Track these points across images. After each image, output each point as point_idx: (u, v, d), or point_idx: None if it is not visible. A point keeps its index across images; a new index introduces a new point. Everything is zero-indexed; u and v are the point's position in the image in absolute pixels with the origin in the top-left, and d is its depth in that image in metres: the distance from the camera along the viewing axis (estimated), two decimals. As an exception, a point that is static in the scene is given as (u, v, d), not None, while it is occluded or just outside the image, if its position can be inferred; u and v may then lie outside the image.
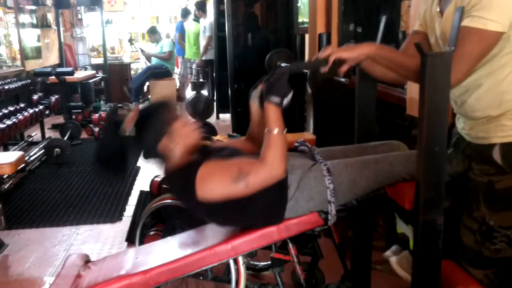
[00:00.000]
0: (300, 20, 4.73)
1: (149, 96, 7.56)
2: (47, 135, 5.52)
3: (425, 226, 1.37)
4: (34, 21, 7.09)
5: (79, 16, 8.83)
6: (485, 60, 1.39)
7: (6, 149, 4.59)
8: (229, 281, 1.90)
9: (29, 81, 5.83)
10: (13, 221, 3.39)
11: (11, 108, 4.69)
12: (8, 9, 6.29)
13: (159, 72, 7.28)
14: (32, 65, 6.55)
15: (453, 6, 1.39)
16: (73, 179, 4.33)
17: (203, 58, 6.99)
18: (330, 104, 3.04)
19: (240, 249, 1.63)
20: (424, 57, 1.28)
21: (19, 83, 5.46)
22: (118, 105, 7.76)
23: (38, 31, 7.12)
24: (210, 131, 4.74)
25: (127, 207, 3.63)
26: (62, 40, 7.62)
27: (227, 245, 1.62)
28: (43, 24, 7.30)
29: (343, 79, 2.37)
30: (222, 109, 6.35)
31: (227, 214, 1.62)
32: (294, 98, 1.57)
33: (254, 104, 1.68)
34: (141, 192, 3.73)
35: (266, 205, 1.58)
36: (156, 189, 2.84)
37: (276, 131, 1.50)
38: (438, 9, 1.50)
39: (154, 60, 7.49)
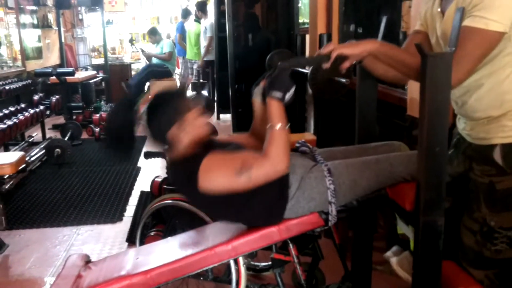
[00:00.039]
0: (300, 20, 4.73)
1: (150, 97, 7.55)
2: (47, 136, 5.52)
3: (425, 227, 1.36)
4: (35, 22, 7.10)
5: (80, 17, 8.84)
6: (486, 60, 1.38)
7: (6, 149, 4.59)
8: (229, 282, 1.89)
9: (30, 81, 5.84)
10: (14, 221, 3.39)
11: (12, 109, 4.70)
12: (9, 9, 6.30)
13: (160, 72, 7.27)
14: (33, 65, 6.56)
15: (455, 6, 1.39)
16: (74, 179, 4.34)
17: (204, 59, 6.99)
18: (331, 105, 3.04)
19: (241, 249, 1.63)
20: (424, 57, 1.28)
21: (20, 84, 5.47)
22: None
23: (39, 31, 7.13)
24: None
25: (128, 208, 3.63)
26: (63, 40, 7.63)
27: (228, 245, 1.62)
28: (44, 24, 7.31)
29: (343, 80, 2.37)
30: (222, 110, 6.35)
31: (227, 209, 1.62)
32: (296, 94, 1.57)
33: (257, 100, 1.68)
34: (142, 192, 3.73)
35: (266, 202, 1.58)
36: (157, 189, 2.84)
37: (278, 126, 1.51)
38: (439, 9, 1.49)
39: (155, 61, 7.48)
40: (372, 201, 1.68)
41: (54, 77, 6.01)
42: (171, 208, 2.38)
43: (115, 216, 3.47)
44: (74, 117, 6.15)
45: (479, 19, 1.31)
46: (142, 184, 4.07)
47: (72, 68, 6.69)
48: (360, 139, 1.88)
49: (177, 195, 2.36)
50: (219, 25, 5.93)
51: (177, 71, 8.38)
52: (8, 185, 3.86)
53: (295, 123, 3.94)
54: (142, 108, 1.67)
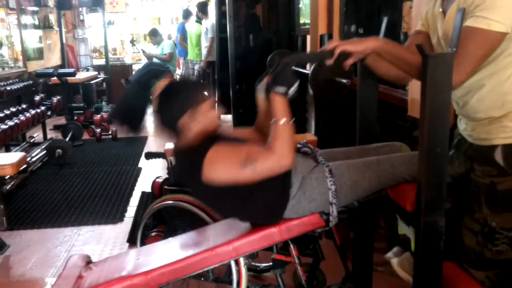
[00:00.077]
0: (301, 21, 4.72)
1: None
2: (49, 136, 5.53)
3: (426, 228, 1.36)
4: (36, 22, 7.11)
5: (81, 17, 8.85)
6: (487, 60, 1.38)
7: (8, 150, 4.60)
8: (230, 282, 1.89)
9: (31, 82, 5.85)
10: (15, 222, 3.39)
11: (13, 109, 4.70)
12: (10, 10, 6.32)
13: (160, 71, 7.27)
14: (34, 66, 6.57)
15: (456, 7, 1.38)
16: (75, 180, 4.34)
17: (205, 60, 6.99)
18: (332, 105, 3.04)
19: (242, 250, 1.63)
20: (425, 58, 1.28)
21: (21, 84, 5.48)
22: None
23: (40, 32, 7.14)
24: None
25: (129, 208, 3.63)
26: (64, 41, 7.64)
27: (229, 246, 1.62)
28: (45, 25, 7.32)
29: (344, 80, 2.37)
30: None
31: (229, 202, 1.62)
32: (297, 94, 1.57)
33: (260, 96, 1.69)
34: (143, 193, 3.74)
35: (268, 199, 1.58)
36: (158, 190, 2.84)
37: (282, 121, 1.51)
38: (440, 10, 1.49)
39: (156, 61, 7.50)
40: (373, 202, 1.67)
41: (55, 78, 6.02)
42: (172, 209, 2.38)
43: (116, 216, 3.47)
44: (75, 117, 6.16)
45: (481, 19, 1.31)
46: (143, 184, 4.07)
47: (73, 69, 6.69)
48: (361, 139, 1.88)
49: (178, 196, 2.36)
50: (220, 26, 5.92)
51: (178, 71, 8.38)
52: (9, 185, 3.88)
53: (296, 124, 3.94)
54: (158, 92, 1.66)
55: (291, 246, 1.77)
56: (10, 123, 4.23)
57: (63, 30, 7.66)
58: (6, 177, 3.34)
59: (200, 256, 1.62)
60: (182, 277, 1.67)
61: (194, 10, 7.61)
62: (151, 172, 4.26)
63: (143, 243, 2.47)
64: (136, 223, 3.19)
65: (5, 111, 4.55)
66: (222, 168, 1.52)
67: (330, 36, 2.89)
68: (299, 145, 1.78)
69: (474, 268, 1.51)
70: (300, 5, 4.66)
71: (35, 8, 7.07)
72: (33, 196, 3.91)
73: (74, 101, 6.46)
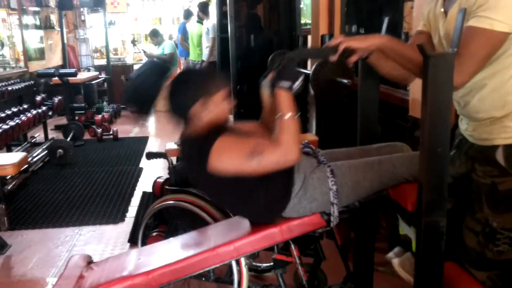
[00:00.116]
0: (302, 21, 4.72)
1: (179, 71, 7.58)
2: (50, 136, 5.54)
3: (427, 228, 1.36)
4: (38, 23, 7.12)
5: (82, 18, 8.86)
6: (489, 60, 1.38)
7: (9, 150, 4.60)
8: (231, 282, 1.89)
9: (32, 82, 5.85)
10: (16, 222, 3.40)
11: (15, 109, 4.71)
12: (12, 10, 6.32)
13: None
14: (35, 66, 6.58)
15: (458, 7, 1.38)
16: (76, 180, 4.34)
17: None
18: (333, 106, 3.04)
19: (243, 250, 1.63)
20: (426, 58, 1.28)
21: (22, 84, 5.49)
22: (121, 106, 7.78)
23: (41, 32, 7.15)
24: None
25: (130, 208, 3.63)
26: (65, 41, 7.65)
27: (230, 246, 1.62)
28: (46, 25, 7.33)
29: (345, 80, 2.37)
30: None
31: (229, 195, 1.63)
32: (298, 93, 1.57)
33: (265, 92, 1.69)
34: (144, 193, 3.75)
35: (269, 197, 1.59)
36: (159, 190, 2.84)
37: (288, 115, 1.51)
38: (442, 10, 1.49)
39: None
40: (374, 202, 1.67)
41: (56, 78, 6.03)
42: (173, 209, 2.38)
43: (117, 216, 3.47)
44: (77, 117, 6.17)
45: (484, 19, 1.30)
46: (144, 184, 4.08)
47: (74, 69, 6.70)
48: (362, 139, 1.88)
49: (179, 196, 2.36)
50: (221, 26, 5.91)
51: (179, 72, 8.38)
52: (11, 185, 3.89)
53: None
54: (171, 79, 1.66)
55: (292, 246, 1.77)
56: (12, 123, 4.24)
57: (65, 30, 7.66)
58: (8, 177, 3.35)
59: (201, 256, 1.62)
60: (183, 277, 1.67)
61: (195, 10, 7.61)
62: (152, 172, 4.26)
63: (144, 243, 2.47)
64: (137, 223, 3.19)
65: (6, 111, 4.55)
66: (228, 158, 1.52)
67: (331, 36, 2.89)
68: (300, 146, 1.78)
69: (475, 269, 1.51)
70: (301, 5, 4.66)
71: (37, 9, 7.08)
72: (34, 196, 3.91)
73: (75, 101, 6.46)
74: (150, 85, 1.73)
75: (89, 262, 1.88)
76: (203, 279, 2.12)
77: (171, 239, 2.01)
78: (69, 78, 6.00)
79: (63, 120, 6.62)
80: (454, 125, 1.63)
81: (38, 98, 5.69)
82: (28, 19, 6.81)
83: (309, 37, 3.59)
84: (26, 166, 3.70)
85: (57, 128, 6.38)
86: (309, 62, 3.27)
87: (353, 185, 1.60)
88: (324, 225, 1.62)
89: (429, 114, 1.29)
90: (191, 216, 2.26)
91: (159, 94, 1.73)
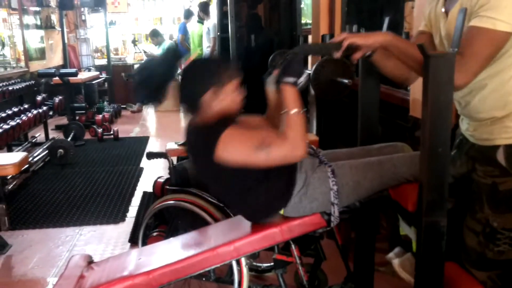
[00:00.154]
0: (303, 21, 4.73)
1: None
2: (50, 136, 5.54)
3: (428, 228, 1.36)
4: (38, 23, 7.12)
5: (83, 17, 8.86)
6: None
7: (10, 150, 4.60)
8: (231, 282, 1.89)
9: (33, 82, 5.86)
10: (17, 221, 3.40)
11: (15, 109, 4.71)
12: (13, 10, 6.32)
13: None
14: (36, 66, 6.58)
15: (459, 7, 1.38)
16: (77, 180, 4.35)
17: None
18: (333, 106, 3.04)
19: (243, 250, 1.63)
20: (427, 58, 1.27)
21: (23, 84, 5.49)
22: (122, 106, 7.79)
23: (42, 32, 7.16)
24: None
25: (130, 208, 3.63)
26: (66, 41, 7.65)
27: (230, 246, 1.62)
28: (47, 25, 7.33)
29: (346, 80, 2.37)
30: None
31: (231, 187, 1.63)
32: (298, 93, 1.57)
33: (270, 89, 1.70)
34: (144, 193, 3.75)
35: (271, 192, 1.59)
36: (159, 190, 2.84)
37: (294, 111, 1.51)
38: (443, 10, 1.49)
39: (157, 61, 7.50)
40: (375, 202, 1.67)
41: (57, 78, 6.03)
42: (173, 209, 2.38)
43: (118, 216, 3.47)
44: (77, 117, 6.17)
45: (487, 19, 1.30)
46: (145, 184, 4.08)
47: (75, 69, 6.70)
48: (363, 140, 1.88)
49: (180, 196, 2.36)
50: (222, 26, 5.91)
51: (179, 72, 8.39)
52: (11, 185, 3.89)
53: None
54: (183, 66, 1.65)
55: (293, 246, 1.77)
56: (12, 123, 4.24)
57: (65, 30, 7.66)
58: (8, 177, 3.35)
59: (202, 256, 1.62)
60: (184, 277, 1.67)
61: (195, 10, 7.61)
62: (153, 172, 4.26)
63: (144, 243, 2.47)
64: (137, 223, 3.19)
65: (7, 111, 4.56)
66: (237, 149, 1.52)
67: (332, 36, 2.89)
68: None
69: (476, 269, 1.51)
70: (302, 5, 4.66)
71: (37, 8, 7.08)
72: (35, 196, 3.91)
73: (76, 101, 6.47)
74: (166, 66, 1.72)
75: (90, 262, 1.88)
76: (204, 279, 2.12)
77: (171, 239, 2.01)
78: (69, 78, 6.01)
79: (63, 120, 6.63)
80: (454, 125, 1.63)
81: (39, 98, 5.69)
82: (29, 19, 6.82)
83: (310, 37, 3.59)
84: (27, 166, 3.71)
85: (58, 128, 6.38)
86: (309, 62, 3.28)
87: (354, 185, 1.60)
88: (325, 225, 1.62)
89: (429, 114, 1.29)
90: (192, 216, 2.26)
91: (173, 77, 1.71)
